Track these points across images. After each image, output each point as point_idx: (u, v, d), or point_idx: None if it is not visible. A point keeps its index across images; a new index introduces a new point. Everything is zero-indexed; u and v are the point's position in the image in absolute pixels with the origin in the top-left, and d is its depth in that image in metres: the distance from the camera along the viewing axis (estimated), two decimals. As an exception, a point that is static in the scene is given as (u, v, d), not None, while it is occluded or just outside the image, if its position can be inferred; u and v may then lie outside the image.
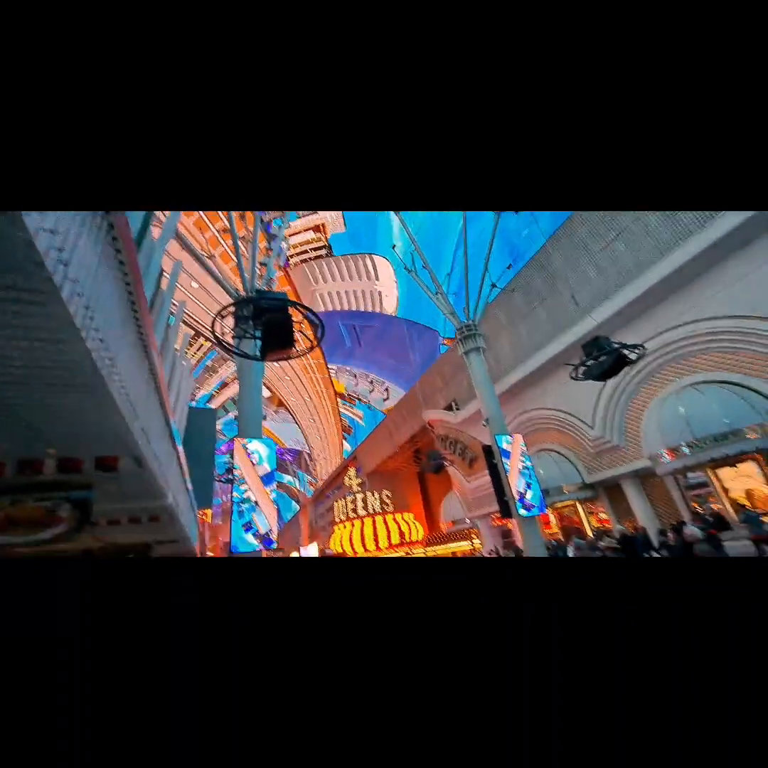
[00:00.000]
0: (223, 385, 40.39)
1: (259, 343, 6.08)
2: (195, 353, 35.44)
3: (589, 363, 9.92)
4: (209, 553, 27.86)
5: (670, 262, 12.35)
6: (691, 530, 6.77)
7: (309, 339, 6.82)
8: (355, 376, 47.14)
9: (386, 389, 45.57)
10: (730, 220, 10.66)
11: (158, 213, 8.59)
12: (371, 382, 47.30)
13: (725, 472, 11.76)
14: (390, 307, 38.27)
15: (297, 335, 6.36)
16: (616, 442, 14.85)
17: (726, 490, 11.68)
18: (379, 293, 37.95)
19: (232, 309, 6.50)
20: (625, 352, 9.74)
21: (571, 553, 8.61)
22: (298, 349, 6.74)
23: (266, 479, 10.29)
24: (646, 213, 13.00)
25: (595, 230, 15.40)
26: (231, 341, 7.75)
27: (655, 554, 9.32)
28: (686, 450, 11.75)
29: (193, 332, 27.40)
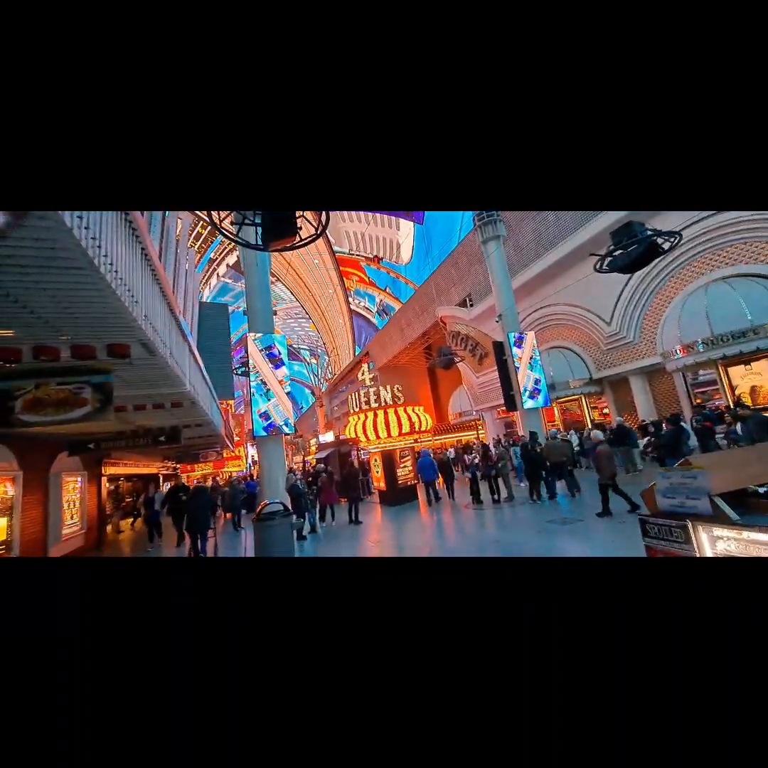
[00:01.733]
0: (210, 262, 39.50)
1: (260, 232, 5.71)
2: (197, 244, 33.91)
3: (616, 253, 9.19)
4: (236, 438, 30.57)
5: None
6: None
7: (313, 225, 6.37)
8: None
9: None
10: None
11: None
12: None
13: (736, 370, 11.68)
14: (405, 256, 39.72)
15: (300, 222, 5.92)
16: (630, 338, 14.59)
17: (733, 388, 11.75)
18: (398, 244, 38.89)
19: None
20: (659, 240, 8.91)
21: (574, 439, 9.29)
22: (301, 237, 6.35)
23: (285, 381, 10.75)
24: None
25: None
26: (231, 228, 7.30)
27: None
28: (701, 347, 11.54)
29: (192, 221, 25.74)
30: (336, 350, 53.37)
